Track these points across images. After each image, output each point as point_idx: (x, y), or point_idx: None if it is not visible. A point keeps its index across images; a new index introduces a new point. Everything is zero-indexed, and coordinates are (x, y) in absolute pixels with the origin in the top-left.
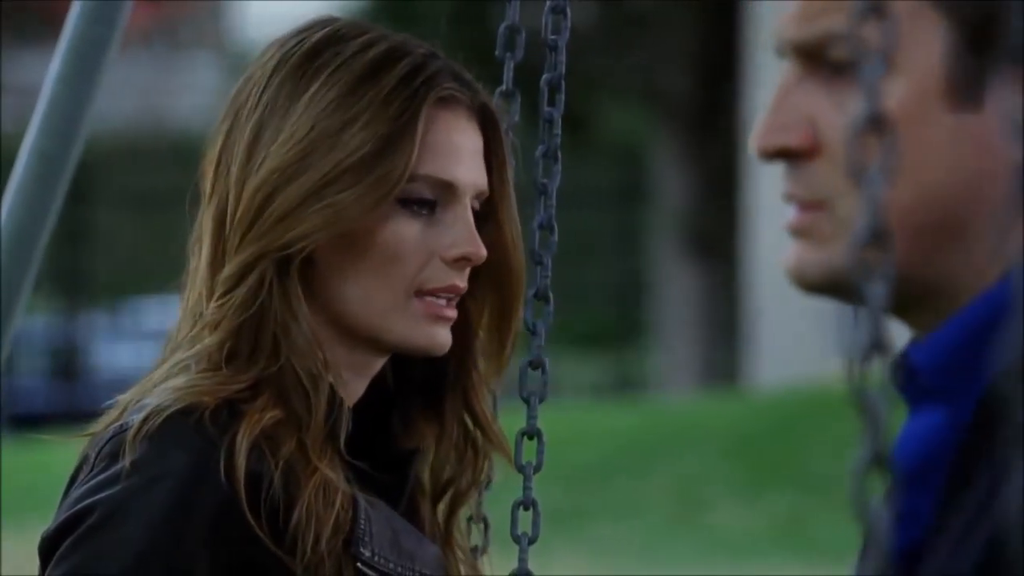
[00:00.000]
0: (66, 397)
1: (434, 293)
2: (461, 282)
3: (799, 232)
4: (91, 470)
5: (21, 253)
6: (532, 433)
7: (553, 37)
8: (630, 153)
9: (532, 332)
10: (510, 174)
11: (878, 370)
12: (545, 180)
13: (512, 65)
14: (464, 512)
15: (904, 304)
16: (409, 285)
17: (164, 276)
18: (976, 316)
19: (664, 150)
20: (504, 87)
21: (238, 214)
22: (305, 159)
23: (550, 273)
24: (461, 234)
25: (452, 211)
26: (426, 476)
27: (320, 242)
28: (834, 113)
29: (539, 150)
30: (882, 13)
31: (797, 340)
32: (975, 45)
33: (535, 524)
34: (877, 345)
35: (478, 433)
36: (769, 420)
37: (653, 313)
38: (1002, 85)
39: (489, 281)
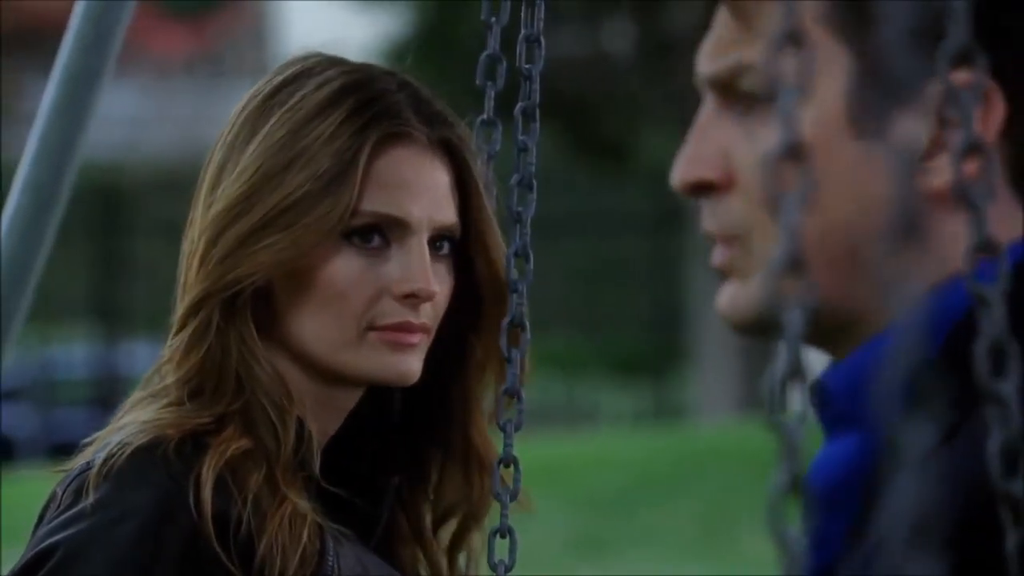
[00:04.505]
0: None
1: (385, 329)
2: (415, 319)
3: (723, 270)
4: (57, 508)
5: (16, 282)
6: (509, 461)
7: (528, 66)
8: (668, 179)
9: (508, 360)
10: (488, 205)
11: (795, 397)
12: (520, 208)
13: (492, 94)
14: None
15: (826, 335)
16: (359, 321)
17: None
18: (886, 341)
19: None
20: (485, 115)
21: (194, 253)
22: (249, 199)
23: (526, 301)
24: (412, 270)
25: (404, 247)
26: (424, 509)
27: (263, 281)
28: (747, 146)
29: (513, 178)
30: (799, 42)
31: None
32: (876, 75)
33: (512, 552)
34: (794, 373)
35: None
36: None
37: (692, 339)
38: (901, 114)
39: (482, 311)
